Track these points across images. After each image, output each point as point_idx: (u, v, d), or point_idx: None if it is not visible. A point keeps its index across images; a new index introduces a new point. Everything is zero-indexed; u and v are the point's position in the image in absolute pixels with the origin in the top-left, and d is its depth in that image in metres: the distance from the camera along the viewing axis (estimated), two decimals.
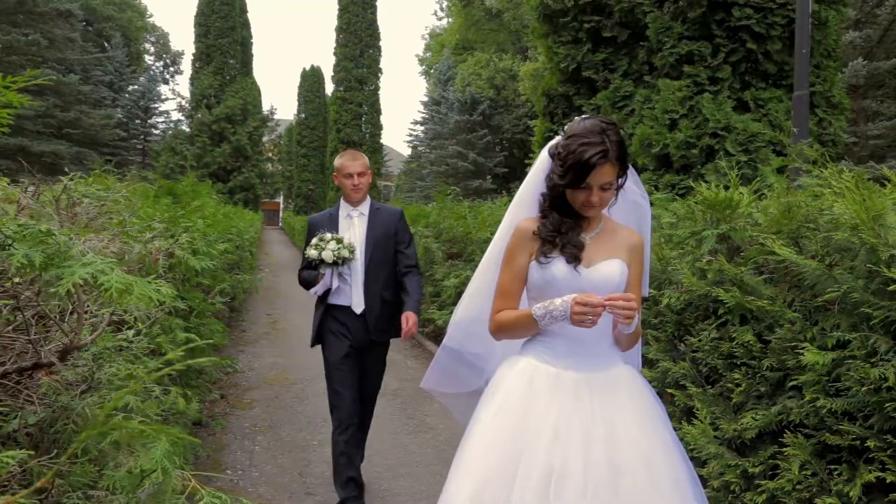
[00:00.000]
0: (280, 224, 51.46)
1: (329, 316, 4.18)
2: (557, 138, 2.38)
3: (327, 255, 3.95)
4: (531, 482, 2.11)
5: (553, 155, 2.34)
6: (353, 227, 4.19)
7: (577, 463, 2.13)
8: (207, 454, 5.42)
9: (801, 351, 2.79)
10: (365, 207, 4.25)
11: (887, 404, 2.47)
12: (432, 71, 53.13)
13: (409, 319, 4.02)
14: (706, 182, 4.61)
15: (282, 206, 57.38)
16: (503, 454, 2.18)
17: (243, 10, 33.42)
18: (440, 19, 61.53)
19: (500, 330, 2.42)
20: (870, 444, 2.55)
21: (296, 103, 49.95)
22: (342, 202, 4.25)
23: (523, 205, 2.51)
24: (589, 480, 2.12)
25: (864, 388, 2.57)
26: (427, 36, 61.85)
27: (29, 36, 22.36)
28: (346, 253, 3.96)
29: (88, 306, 2.20)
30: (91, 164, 26.15)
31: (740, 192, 3.83)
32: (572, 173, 2.19)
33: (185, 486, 1.82)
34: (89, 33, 46.47)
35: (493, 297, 2.45)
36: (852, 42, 16.60)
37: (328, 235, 4.02)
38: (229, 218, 8.58)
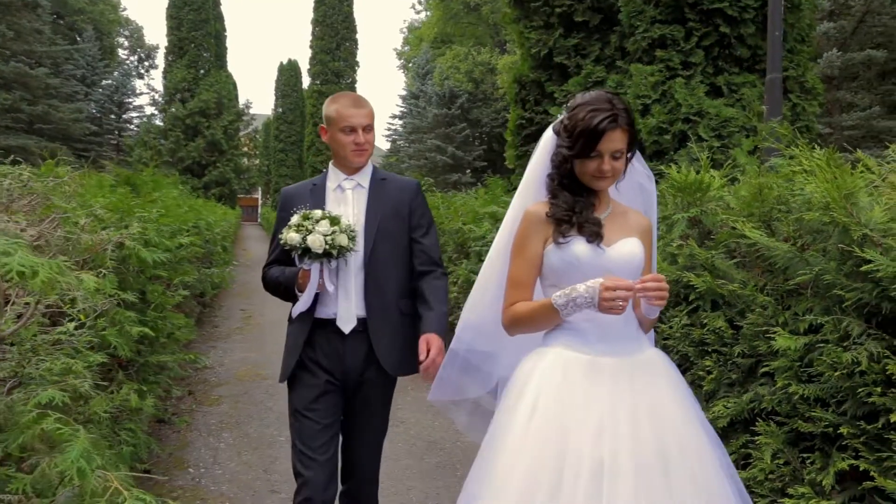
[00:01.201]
0: (259, 220, 51.01)
1: (310, 337, 2.79)
2: (561, 115, 2.28)
3: (315, 242, 2.58)
4: (581, 481, 1.92)
5: (558, 131, 2.24)
6: (347, 203, 2.86)
7: (626, 456, 1.97)
8: (170, 452, 5.28)
9: (773, 336, 2.70)
10: (365, 177, 2.90)
11: (860, 389, 2.38)
12: (410, 65, 52.92)
13: (430, 345, 2.66)
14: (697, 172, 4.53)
15: (260, 201, 56.90)
16: (549, 457, 1.98)
17: (217, 3, 32.90)
18: (418, 13, 61.33)
19: (516, 324, 2.23)
20: (843, 430, 2.46)
21: (273, 98, 49.56)
22: (332, 169, 2.90)
23: (530, 189, 2.37)
24: (641, 475, 1.96)
25: (836, 374, 2.48)
26: (405, 30, 61.57)
27: None
28: (343, 240, 2.62)
29: (11, 295, 2.04)
30: (64, 159, 25.60)
31: (711, 175, 3.74)
32: (582, 141, 2.10)
33: (106, 487, 1.67)
34: (60, 26, 45.62)
35: (505, 289, 2.27)
36: (826, 33, 16.67)
37: (317, 212, 2.66)
38: (196, 210, 8.36)
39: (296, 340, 2.82)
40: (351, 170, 2.87)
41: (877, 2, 16.30)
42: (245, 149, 32.17)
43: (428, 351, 2.64)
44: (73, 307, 2.88)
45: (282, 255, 2.84)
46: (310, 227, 2.61)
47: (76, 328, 2.80)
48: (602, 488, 1.91)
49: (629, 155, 2.20)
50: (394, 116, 47.42)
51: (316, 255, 2.63)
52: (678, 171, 3.52)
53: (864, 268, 2.32)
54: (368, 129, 2.83)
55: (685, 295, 3.46)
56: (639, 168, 2.37)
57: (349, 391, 2.85)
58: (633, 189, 2.39)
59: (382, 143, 48.27)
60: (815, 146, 3.01)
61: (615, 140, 2.10)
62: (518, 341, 2.33)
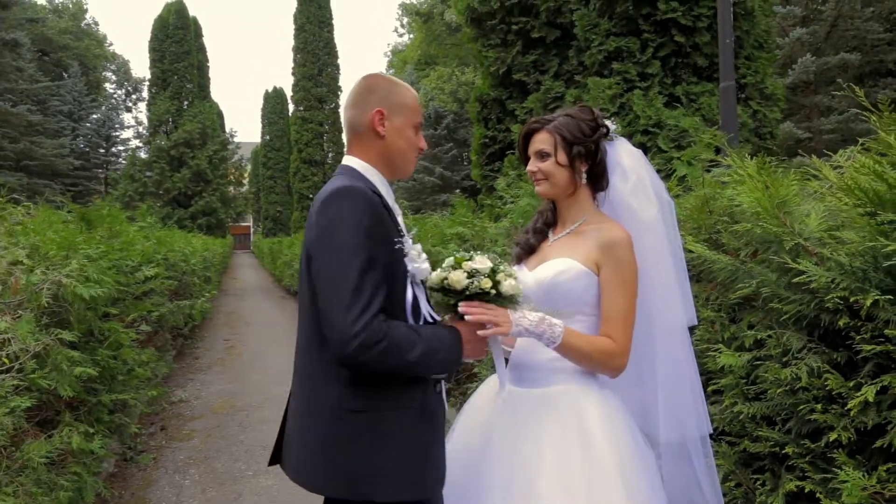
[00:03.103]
0: (251, 248, 50.87)
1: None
2: None
3: (514, 289, 1.92)
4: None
5: None
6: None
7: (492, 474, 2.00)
8: (132, 492, 5.15)
9: (715, 353, 2.60)
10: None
11: (801, 407, 2.28)
12: None
13: None
14: None
15: (252, 229, 56.80)
16: (459, 474, 2.05)
17: (199, 35, 33.08)
18: (401, 36, 61.67)
19: None
20: (788, 450, 2.35)
21: (260, 125, 49.64)
22: (378, 175, 2.00)
23: None
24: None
25: (779, 391, 2.37)
26: (389, 53, 61.90)
27: None
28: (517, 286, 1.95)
29: None
30: (49, 195, 25.56)
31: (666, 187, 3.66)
32: (520, 152, 2.30)
33: None
34: (46, 63, 45.77)
35: None
36: (800, 38, 16.73)
37: (484, 258, 1.94)
38: (165, 243, 8.24)
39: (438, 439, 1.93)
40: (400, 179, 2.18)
41: (847, 6, 16.38)
42: (231, 177, 32.06)
43: None
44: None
45: (388, 304, 1.80)
46: (504, 271, 1.94)
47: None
48: None
49: (586, 167, 2.17)
50: None
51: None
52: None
53: (796, 279, 2.23)
54: None
55: None
56: (620, 188, 2.22)
57: None
58: (624, 207, 2.25)
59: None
60: (795, 154, 2.95)
61: (539, 141, 2.19)
62: None
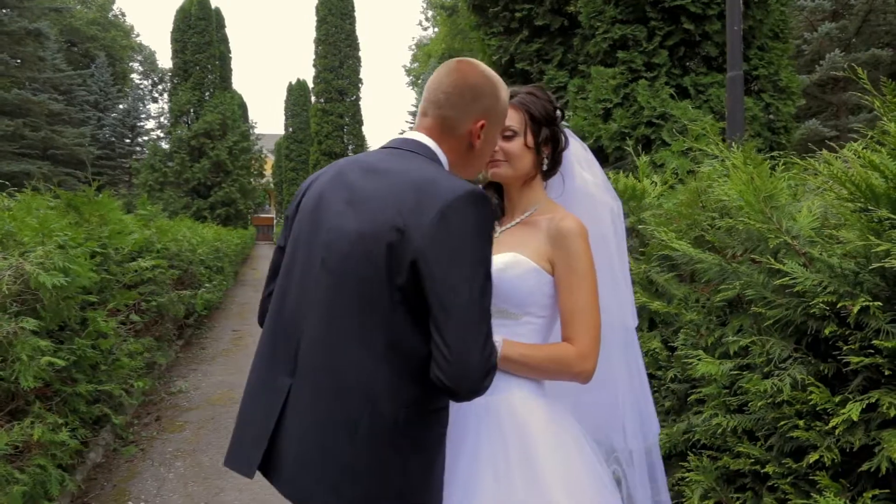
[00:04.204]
0: (273, 239, 51.09)
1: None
2: None
3: None
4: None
5: None
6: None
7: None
8: (115, 483, 5.06)
9: (692, 360, 2.39)
10: None
11: (782, 422, 2.06)
12: (419, 81, 52.95)
13: None
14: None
15: (275, 220, 57.07)
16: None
17: (221, 26, 33.14)
18: (425, 29, 61.39)
19: None
20: (769, 469, 2.14)
21: (283, 117, 49.79)
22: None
23: None
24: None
25: (760, 403, 2.16)
26: (414, 46, 61.75)
27: None
28: None
29: None
30: (70, 183, 25.84)
31: (653, 181, 3.44)
32: None
33: None
34: (73, 53, 46.28)
35: None
36: (828, 34, 16.23)
37: None
38: (165, 232, 8.16)
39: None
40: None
41: (879, 0, 15.85)
42: (252, 168, 32.12)
43: None
44: None
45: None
46: None
47: None
48: None
49: (549, 152, 1.99)
50: (402, 132, 47.31)
51: None
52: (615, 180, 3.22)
53: (778, 281, 2.02)
54: None
55: None
56: (584, 175, 2.07)
57: None
58: (577, 198, 2.08)
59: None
60: (782, 148, 2.75)
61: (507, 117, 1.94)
62: None
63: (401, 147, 1.72)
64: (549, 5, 6.92)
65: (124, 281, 5.43)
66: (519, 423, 1.75)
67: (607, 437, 2.04)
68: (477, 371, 1.45)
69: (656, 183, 3.32)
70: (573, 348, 1.76)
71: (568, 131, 2.06)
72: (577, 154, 2.06)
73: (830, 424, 1.82)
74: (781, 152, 3.02)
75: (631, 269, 3.12)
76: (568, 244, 1.82)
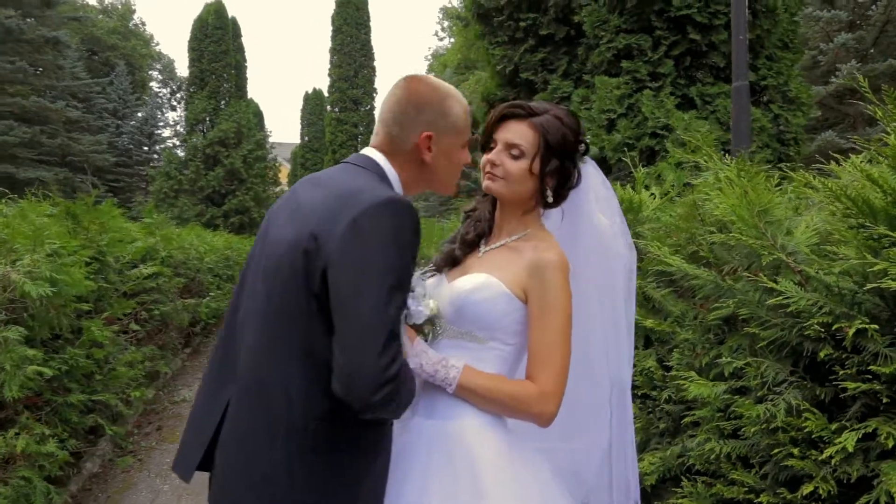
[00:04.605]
0: None
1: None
2: None
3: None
4: None
5: None
6: None
7: None
8: (108, 495, 5.01)
9: (684, 381, 2.29)
10: None
11: (776, 450, 1.95)
12: None
13: None
14: (646, 188, 4.13)
15: None
16: None
17: (237, 35, 33.39)
18: (441, 39, 61.67)
19: None
20: (763, 499, 2.02)
21: (299, 126, 50.08)
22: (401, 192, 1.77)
23: None
24: None
25: (754, 429, 2.05)
26: (430, 56, 61.97)
27: (15, 63, 22.30)
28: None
29: None
30: (83, 190, 26.05)
31: (651, 194, 3.34)
32: (485, 132, 1.86)
33: None
34: (94, 62, 46.80)
35: None
36: (845, 44, 16.01)
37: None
38: (170, 240, 8.14)
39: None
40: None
41: None
42: (267, 177, 32.24)
43: None
44: None
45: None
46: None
47: None
48: None
49: (553, 184, 1.79)
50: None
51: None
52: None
53: (770, 301, 1.91)
54: None
55: None
56: (591, 210, 1.88)
57: None
58: (596, 242, 1.92)
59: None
60: (789, 160, 2.65)
61: (515, 133, 1.78)
62: None
63: (352, 162, 1.72)
64: (554, 14, 6.83)
65: (123, 289, 5.38)
66: (469, 453, 1.64)
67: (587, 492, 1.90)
68: (368, 383, 1.39)
69: (655, 195, 3.22)
70: (534, 387, 1.65)
71: (591, 164, 1.88)
72: (597, 192, 1.88)
73: (825, 454, 1.71)
74: (788, 164, 2.91)
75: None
76: (545, 276, 1.69)
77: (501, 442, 1.67)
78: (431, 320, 1.75)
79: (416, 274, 1.69)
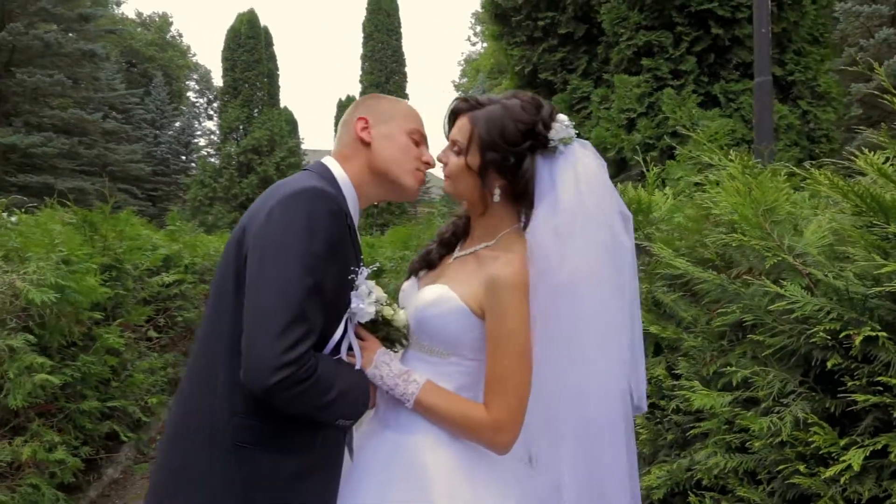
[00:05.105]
0: None
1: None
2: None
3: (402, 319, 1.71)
4: None
5: None
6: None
7: None
8: (125, 502, 5.02)
9: (686, 391, 2.16)
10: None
11: (782, 466, 1.82)
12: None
13: None
14: (662, 186, 4.00)
15: None
16: None
17: (269, 44, 33.83)
18: (473, 44, 61.72)
19: None
20: None
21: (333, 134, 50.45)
22: (352, 195, 1.71)
23: None
24: None
25: (759, 443, 1.92)
26: (463, 62, 62.06)
27: (53, 76, 22.89)
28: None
29: None
30: (120, 199, 26.64)
31: (664, 194, 3.21)
32: (446, 128, 1.79)
33: None
34: (133, 73, 47.87)
35: None
36: (887, 40, 15.47)
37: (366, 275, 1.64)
38: (192, 247, 8.20)
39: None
40: (369, 201, 1.80)
41: None
42: None
43: None
44: None
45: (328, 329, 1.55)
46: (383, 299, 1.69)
47: None
48: None
49: (504, 184, 1.63)
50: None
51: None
52: (622, 191, 3.00)
53: (773, 306, 1.78)
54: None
55: None
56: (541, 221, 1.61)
57: None
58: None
59: (440, 172, 48.65)
60: (813, 157, 2.52)
61: (458, 126, 1.69)
62: None
63: (306, 168, 1.76)
64: (573, 12, 6.65)
65: (141, 296, 5.41)
66: (423, 470, 1.56)
67: None
68: (263, 365, 1.37)
69: (668, 195, 3.08)
70: (487, 417, 1.53)
71: (570, 154, 1.60)
72: (590, 181, 1.58)
73: (828, 472, 1.58)
74: (812, 162, 2.74)
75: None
76: (498, 296, 1.53)
77: (458, 459, 1.57)
78: (399, 330, 1.67)
79: (363, 272, 1.60)
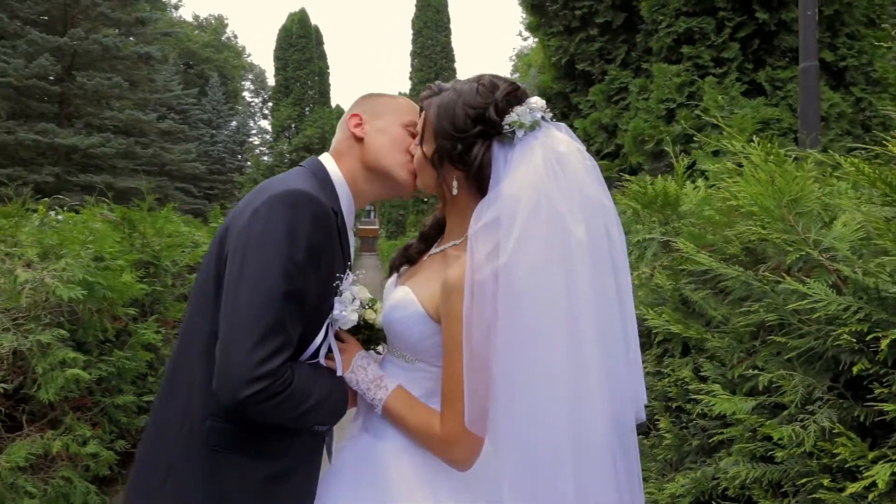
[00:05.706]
0: (376, 250, 52.13)
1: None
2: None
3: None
4: None
5: None
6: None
7: None
8: None
9: (705, 395, 2.03)
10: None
11: (804, 479, 1.68)
12: None
13: None
14: (692, 177, 3.83)
15: (379, 231, 58.32)
16: None
17: (320, 42, 34.25)
18: (525, 39, 61.26)
19: None
20: None
21: None
22: (346, 194, 1.67)
23: None
24: None
25: (782, 453, 1.78)
26: (514, 57, 61.72)
27: (111, 79, 23.64)
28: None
29: None
30: (176, 197, 27.39)
31: (696, 186, 3.04)
32: None
33: None
34: (190, 75, 49.18)
35: None
36: None
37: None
38: None
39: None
40: (365, 199, 1.74)
41: None
42: None
43: None
44: None
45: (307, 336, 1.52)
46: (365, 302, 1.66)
47: None
48: None
49: (460, 175, 1.50)
50: None
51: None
52: (650, 183, 2.85)
53: (792, 305, 1.64)
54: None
55: (651, 335, 2.80)
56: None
57: None
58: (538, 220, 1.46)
59: None
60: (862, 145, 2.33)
61: (420, 117, 1.61)
62: None
63: (301, 164, 1.74)
64: (612, 1, 6.43)
65: (180, 293, 5.48)
66: (385, 475, 1.49)
67: None
68: (236, 377, 1.31)
69: (700, 187, 2.92)
70: (439, 430, 1.42)
71: (546, 136, 1.43)
72: (550, 170, 1.36)
73: (853, 488, 1.44)
74: (859, 151, 2.53)
75: (662, 287, 2.77)
76: (449, 301, 1.40)
77: (422, 467, 1.48)
78: (379, 333, 1.62)
79: (349, 277, 1.54)
